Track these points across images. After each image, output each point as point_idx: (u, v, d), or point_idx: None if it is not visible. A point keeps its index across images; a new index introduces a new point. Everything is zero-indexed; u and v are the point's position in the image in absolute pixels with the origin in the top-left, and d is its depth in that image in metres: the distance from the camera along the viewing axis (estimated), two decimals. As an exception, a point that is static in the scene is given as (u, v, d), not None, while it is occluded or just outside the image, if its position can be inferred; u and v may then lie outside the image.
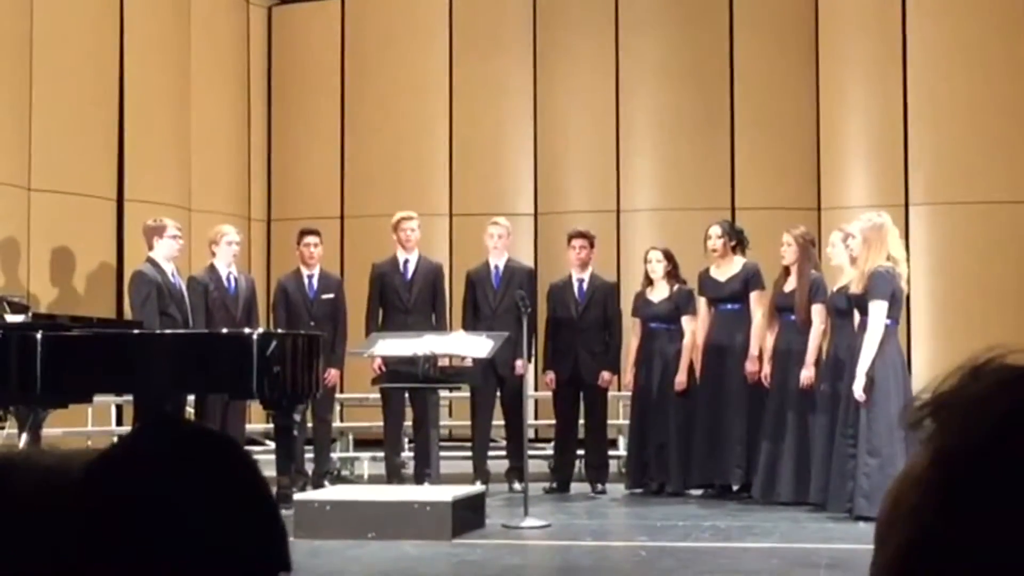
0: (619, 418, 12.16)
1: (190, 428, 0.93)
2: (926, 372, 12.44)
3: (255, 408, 11.24)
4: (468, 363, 10.22)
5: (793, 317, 9.92)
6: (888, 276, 8.89)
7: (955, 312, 13.03)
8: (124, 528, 0.85)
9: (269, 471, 9.78)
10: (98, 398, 10.22)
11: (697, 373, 10.54)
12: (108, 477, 0.88)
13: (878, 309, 8.85)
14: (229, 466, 0.91)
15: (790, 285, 10.03)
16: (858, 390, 8.82)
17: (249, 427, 11.81)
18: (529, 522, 8.79)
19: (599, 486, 10.83)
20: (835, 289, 9.51)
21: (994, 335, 11.81)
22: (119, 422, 11.60)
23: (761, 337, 10.27)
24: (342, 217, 14.61)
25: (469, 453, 11.15)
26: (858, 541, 7.75)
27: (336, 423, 12.12)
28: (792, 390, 9.78)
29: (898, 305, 9.04)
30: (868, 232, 9.02)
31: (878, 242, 8.96)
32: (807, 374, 9.64)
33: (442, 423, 10.73)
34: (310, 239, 11.12)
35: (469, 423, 11.23)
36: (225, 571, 0.87)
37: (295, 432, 9.68)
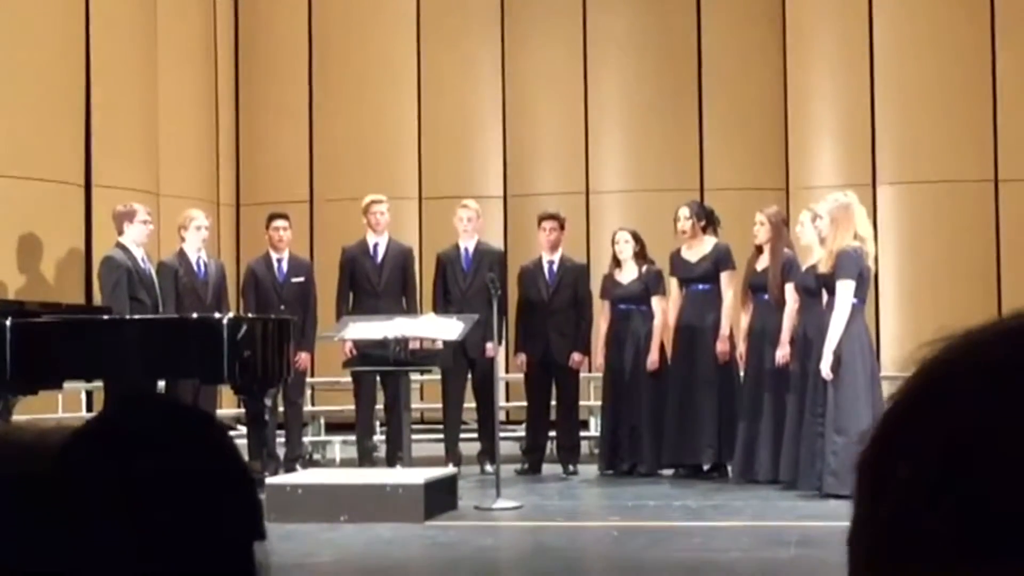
0: (590, 399, 12.19)
1: (162, 402, 0.95)
2: (894, 350, 12.52)
3: (226, 393, 11.23)
4: (439, 346, 10.23)
5: (767, 296, 9.96)
6: (855, 256, 8.95)
7: (922, 291, 13.11)
8: (102, 504, 0.87)
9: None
10: (68, 384, 10.19)
11: (668, 353, 10.57)
12: (84, 452, 0.89)
13: (845, 288, 8.91)
14: (202, 438, 0.93)
15: (763, 264, 10.07)
16: (825, 369, 8.87)
17: (220, 412, 11.79)
18: (501, 503, 8.82)
19: (571, 467, 10.87)
20: (804, 269, 9.56)
21: (961, 313, 11.89)
22: (89, 408, 11.56)
23: (732, 317, 10.32)
24: (311, 201, 14.59)
25: (441, 436, 11.17)
26: (828, 519, 7.80)
27: (307, 407, 12.11)
28: (767, 369, 9.82)
29: (865, 284, 9.10)
30: (835, 212, 9.07)
31: (845, 222, 9.02)
32: (782, 353, 9.68)
33: (413, 406, 10.75)
34: (279, 223, 11.11)
35: (440, 406, 11.25)
36: (201, 542, 0.88)
37: (266, 416, 9.68)
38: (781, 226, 10.11)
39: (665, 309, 10.62)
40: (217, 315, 9.51)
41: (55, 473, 0.87)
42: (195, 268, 10.53)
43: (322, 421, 12.66)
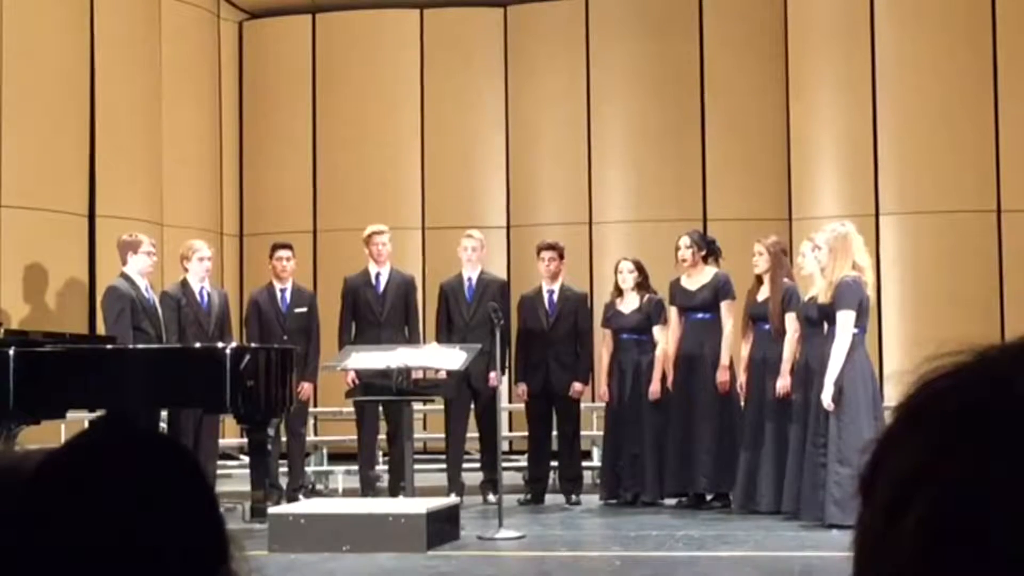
0: (593, 429, 12.18)
1: (132, 428, 0.96)
2: (896, 381, 12.49)
3: (229, 423, 11.23)
4: (442, 376, 10.24)
5: (767, 326, 9.96)
6: (855, 285, 8.96)
7: (925, 321, 13.11)
8: (69, 527, 0.88)
9: (243, 486, 9.78)
10: (71, 414, 10.20)
11: (669, 383, 10.56)
12: (54, 476, 0.91)
13: (846, 319, 8.91)
14: (170, 465, 0.94)
15: (763, 294, 10.07)
16: (826, 399, 8.87)
17: (223, 442, 11.80)
18: (504, 533, 8.80)
19: (573, 497, 10.85)
20: (806, 299, 9.56)
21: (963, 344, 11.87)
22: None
23: (732, 346, 10.31)
24: (315, 231, 14.62)
25: (443, 465, 11.16)
26: (830, 548, 7.79)
27: (310, 437, 12.11)
28: (768, 400, 9.81)
29: (865, 314, 9.10)
30: (833, 242, 9.08)
31: (843, 252, 9.03)
32: (783, 383, 9.67)
33: (416, 436, 10.74)
34: (282, 253, 11.12)
35: (443, 436, 11.24)
36: (163, 567, 0.89)
37: (269, 446, 9.68)
38: (781, 256, 10.11)
39: (666, 338, 10.61)
40: (220, 345, 9.52)
41: (27, 497, 0.89)
42: (198, 298, 10.54)
43: (325, 451, 12.65)
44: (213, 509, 0.95)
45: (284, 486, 10.79)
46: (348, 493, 11.56)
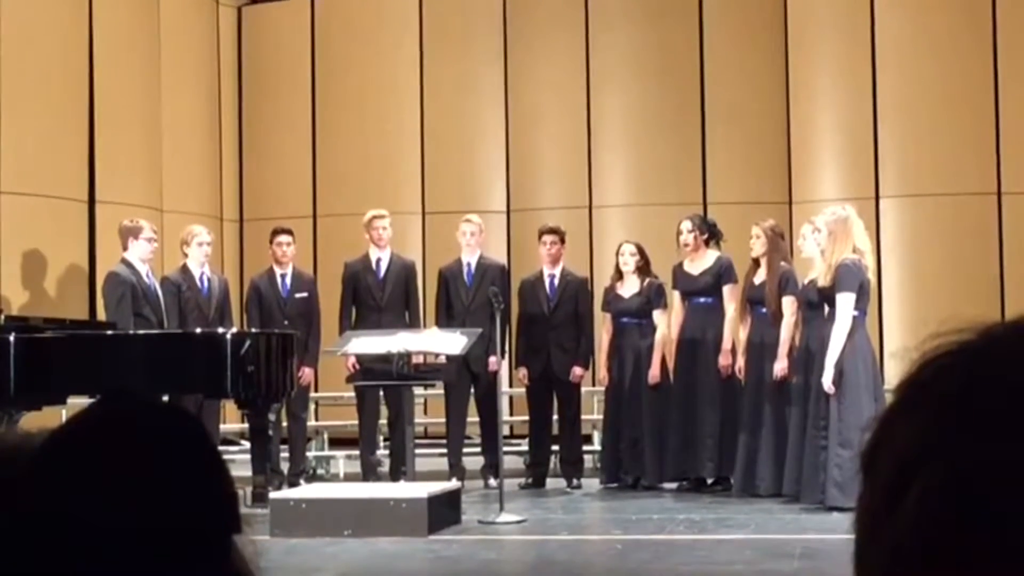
0: (594, 413, 12.19)
1: (142, 400, 0.96)
2: (897, 363, 12.51)
3: (230, 408, 11.23)
4: (442, 360, 10.25)
5: (764, 310, 9.96)
6: (855, 268, 8.96)
7: (926, 304, 13.11)
8: (76, 501, 0.88)
9: (244, 471, 9.79)
10: (72, 400, 10.20)
11: (670, 367, 10.57)
12: (59, 451, 0.91)
13: (846, 301, 8.92)
14: (179, 435, 0.94)
15: (760, 277, 10.07)
16: (827, 382, 8.88)
17: (224, 427, 11.81)
18: (505, 517, 8.82)
19: (574, 481, 10.87)
20: (806, 282, 9.56)
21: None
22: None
23: (734, 330, 10.32)
24: (315, 216, 14.61)
25: (444, 450, 11.18)
26: (831, 531, 7.81)
27: (311, 422, 12.12)
28: (767, 383, 9.82)
29: (865, 296, 9.10)
30: (833, 225, 9.09)
31: (843, 235, 9.04)
32: (780, 366, 9.68)
33: (417, 420, 10.75)
34: (283, 238, 11.13)
35: (444, 420, 11.25)
36: (174, 539, 0.89)
37: (270, 431, 9.69)
38: (777, 239, 10.11)
39: (667, 323, 10.62)
40: (221, 330, 9.53)
41: (33, 475, 0.89)
42: (198, 284, 10.55)
43: (326, 436, 12.66)
44: (223, 477, 0.94)
45: (285, 471, 10.81)
46: (349, 478, 11.58)
